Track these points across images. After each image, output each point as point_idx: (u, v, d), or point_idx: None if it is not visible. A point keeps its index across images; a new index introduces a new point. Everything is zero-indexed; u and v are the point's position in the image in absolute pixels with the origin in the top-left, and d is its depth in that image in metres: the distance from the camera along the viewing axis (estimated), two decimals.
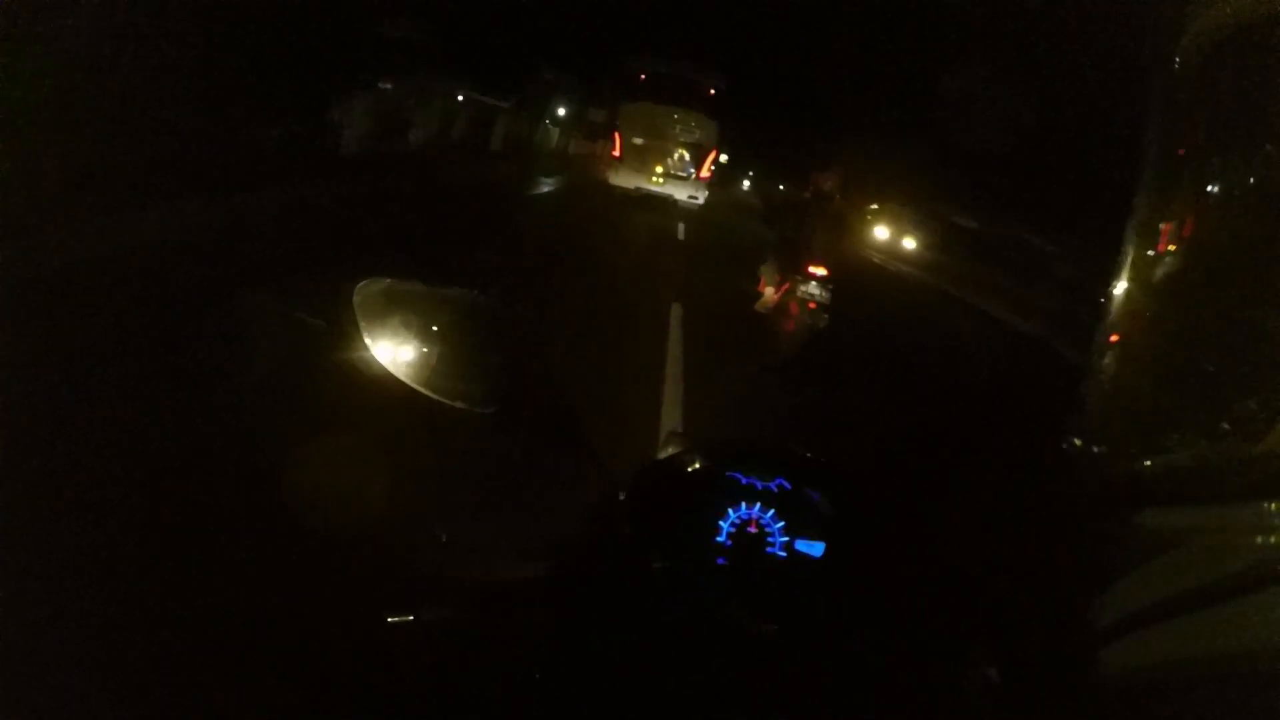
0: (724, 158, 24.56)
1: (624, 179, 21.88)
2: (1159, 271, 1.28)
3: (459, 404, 1.11)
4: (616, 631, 1.18)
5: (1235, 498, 0.86)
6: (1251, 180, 1.16)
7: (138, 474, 3.41)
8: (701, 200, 22.34)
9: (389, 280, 1.14)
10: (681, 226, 19.71)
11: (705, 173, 22.32)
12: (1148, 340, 1.24)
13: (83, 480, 3.24)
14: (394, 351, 1.11)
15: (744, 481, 1.35)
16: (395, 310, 1.13)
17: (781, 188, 26.47)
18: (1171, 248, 1.28)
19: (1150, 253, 1.30)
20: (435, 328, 1.13)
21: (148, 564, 2.81)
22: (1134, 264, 1.28)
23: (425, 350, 1.11)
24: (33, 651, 2.15)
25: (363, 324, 1.10)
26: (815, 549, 1.37)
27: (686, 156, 22.28)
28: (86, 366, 4.50)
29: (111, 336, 4.90)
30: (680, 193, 21.97)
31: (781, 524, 1.37)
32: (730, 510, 1.34)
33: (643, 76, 23.13)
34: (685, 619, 1.19)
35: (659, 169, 22.06)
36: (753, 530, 1.35)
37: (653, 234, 17.97)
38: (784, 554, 1.37)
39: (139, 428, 3.71)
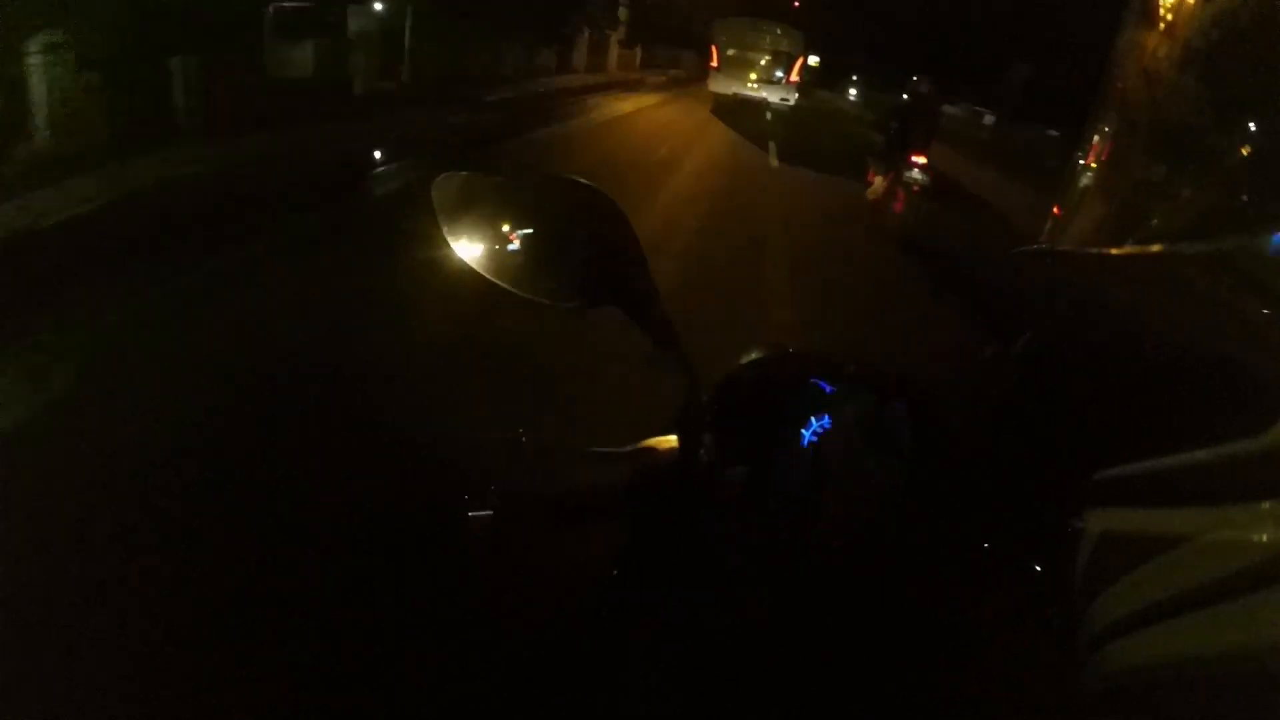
0: (814, 60, 24.58)
1: (722, 85, 23.19)
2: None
3: (543, 300, 1.00)
4: (688, 544, 1.09)
5: (1235, 498, 0.81)
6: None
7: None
8: (793, 101, 23.61)
9: (467, 173, 1.02)
10: (773, 146, 16.78)
11: (794, 77, 23.53)
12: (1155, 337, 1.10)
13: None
14: (476, 245, 1.00)
15: (828, 390, 1.22)
16: (476, 203, 1.01)
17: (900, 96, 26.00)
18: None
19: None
20: (518, 220, 1.01)
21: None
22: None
23: (508, 243, 1.00)
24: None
25: (442, 219, 1.00)
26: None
27: (776, 63, 23.37)
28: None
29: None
30: (773, 95, 23.28)
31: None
32: (813, 419, 1.20)
33: None
34: (756, 538, 1.08)
35: (753, 75, 23.23)
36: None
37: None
38: None
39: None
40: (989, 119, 29.96)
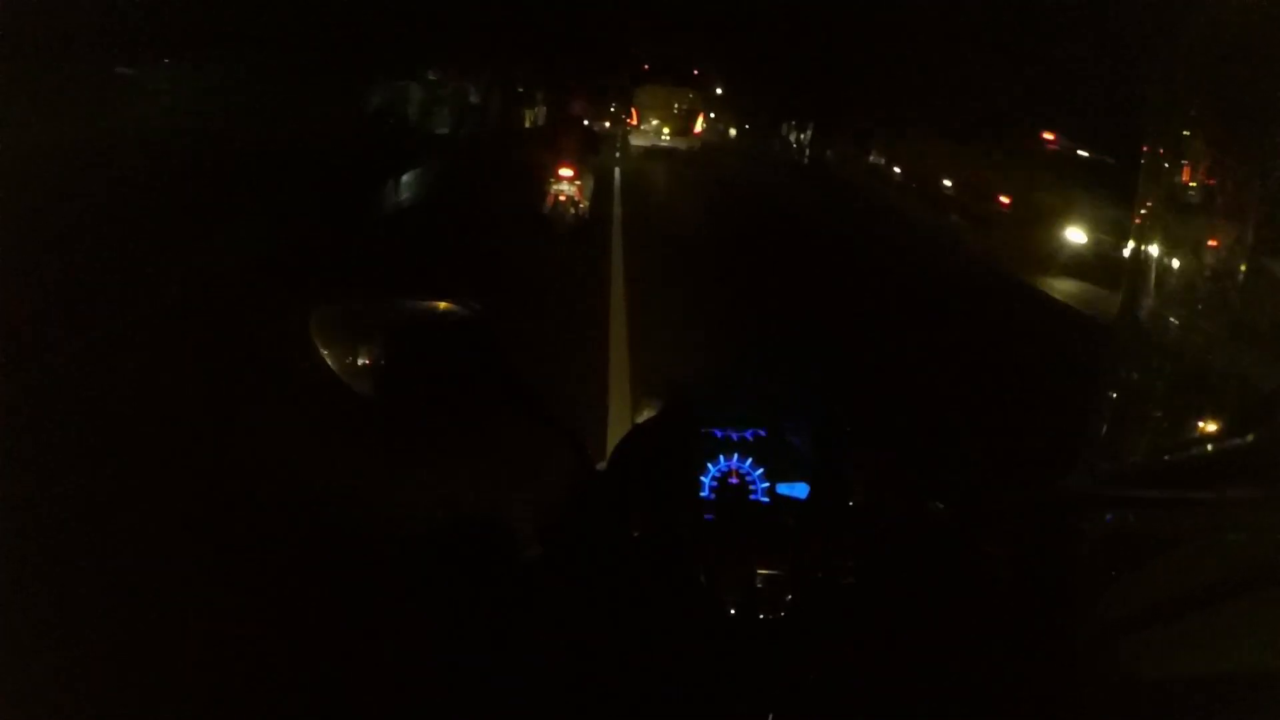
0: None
1: (639, 139, 24.67)
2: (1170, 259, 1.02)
3: (423, 418, 0.95)
4: (603, 611, 0.96)
5: (1235, 497, 0.74)
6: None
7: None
8: (698, 146, 25.23)
9: (345, 304, 0.95)
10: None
11: (697, 129, 25.12)
12: (1157, 341, 1.00)
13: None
14: (353, 368, 0.91)
15: (720, 435, 1.13)
16: (353, 330, 0.94)
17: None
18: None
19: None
20: (395, 344, 0.93)
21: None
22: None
23: (386, 366, 0.91)
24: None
25: (322, 346, 0.91)
26: (799, 490, 1.13)
27: (682, 119, 24.97)
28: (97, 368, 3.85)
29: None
30: (681, 144, 24.77)
31: (761, 470, 1.14)
32: (710, 465, 1.13)
33: (646, 66, 26.35)
34: (669, 596, 0.95)
35: (666, 130, 24.77)
36: (734, 481, 1.13)
37: None
38: (767, 499, 1.13)
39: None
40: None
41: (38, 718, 1.72)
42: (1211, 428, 0.86)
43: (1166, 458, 0.88)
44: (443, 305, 0.94)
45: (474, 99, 20.25)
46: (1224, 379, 0.87)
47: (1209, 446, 0.85)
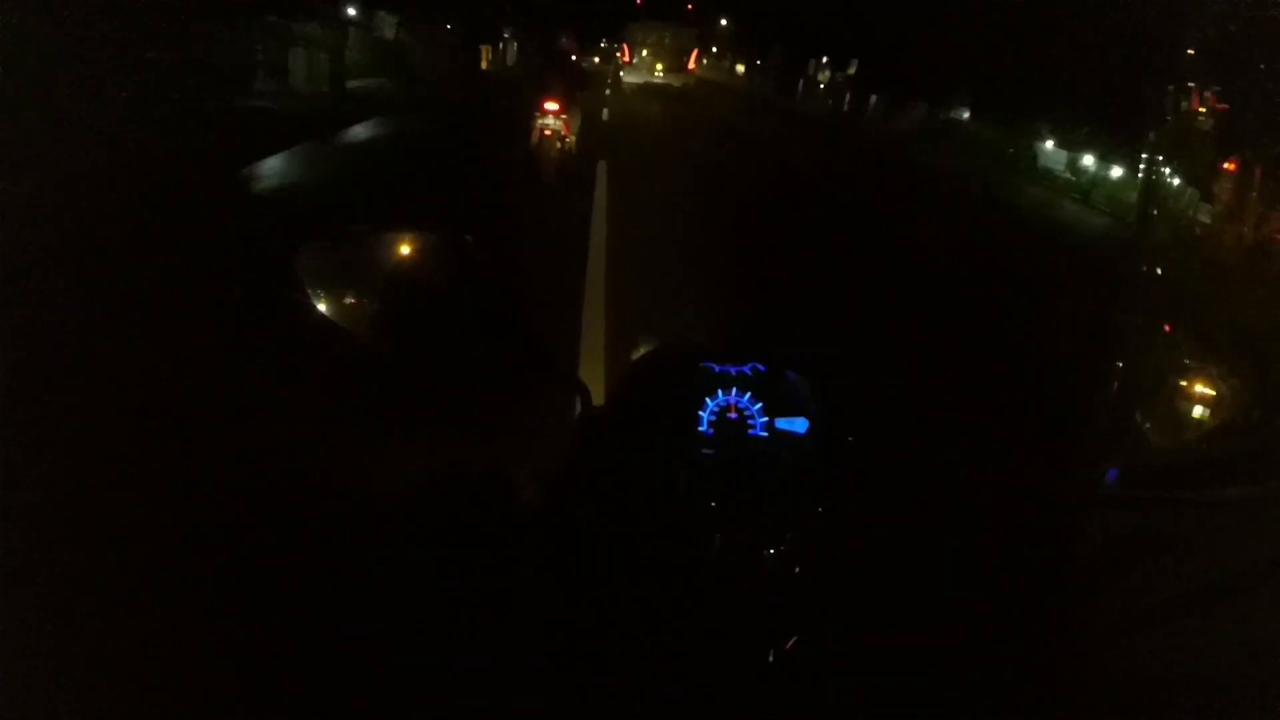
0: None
1: (632, 76, 24.01)
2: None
3: (417, 353, 0.90)
4: (608, 560, 0.95)
5: (1235, 497, 0.73)
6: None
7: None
8: (692, 83, 24.63)
9: (332, 238, 0.90)
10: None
11: (692, 65, 24.59)
12: (1157, 340, 1.02)
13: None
14: (343, 307, 0.88)
15: (718, 370, 1.11)
16: (341, 264, 0.90)
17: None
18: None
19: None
20: (384, 277, 0.89)
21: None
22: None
23: (375, 301, 0.89)
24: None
25: (309, 285, 0.87)
26: (798, 425, 1.12)
27: (676, 56, 24.58)
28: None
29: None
30: (676, 81, 24.28)
31: (760, 405, 1.12)
32: (708, 400, 1.10)
33: (639, 2, 27.02)
34: (669, 532, 0.95)
35: (659, 66, 24.31)
36: (733, 416, 1.11)
37: None
38: (765, 434, 1.12)
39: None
40: None
41: (37, 718, 1.75)
42: (1211, 428, 0.86)
43: (1166, 458, 0.87)
44: (434, 238, 0.91)
45: (388, 33, 15.41)
46: (1223, 379, 0.85)
47: (1209, 446, 0.85)
